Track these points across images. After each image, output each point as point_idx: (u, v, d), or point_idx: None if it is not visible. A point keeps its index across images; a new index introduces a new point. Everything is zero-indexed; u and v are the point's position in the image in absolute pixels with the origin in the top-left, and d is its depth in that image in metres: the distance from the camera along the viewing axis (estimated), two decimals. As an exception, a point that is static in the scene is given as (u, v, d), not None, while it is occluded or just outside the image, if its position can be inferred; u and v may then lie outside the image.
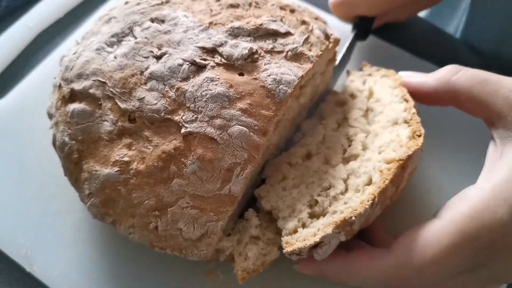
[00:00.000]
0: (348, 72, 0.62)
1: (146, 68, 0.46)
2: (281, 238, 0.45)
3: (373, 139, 0.50)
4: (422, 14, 0.89)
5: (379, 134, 0.50)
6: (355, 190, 0.45)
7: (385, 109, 0.52)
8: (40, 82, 0.67)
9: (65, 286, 0.53)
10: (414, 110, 0.49)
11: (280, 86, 0.44)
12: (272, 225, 0.48)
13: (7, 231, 0.56)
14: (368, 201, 0.41)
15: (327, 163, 0.50)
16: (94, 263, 0.54)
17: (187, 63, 0.45)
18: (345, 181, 0.47)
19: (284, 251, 0.44)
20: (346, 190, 0.46)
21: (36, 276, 0.53)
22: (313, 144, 0.52)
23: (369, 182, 0.45)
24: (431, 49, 0.72)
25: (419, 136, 0.46)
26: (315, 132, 0.54)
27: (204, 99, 0.43)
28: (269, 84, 0.45)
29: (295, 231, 0.44)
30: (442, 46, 0.73)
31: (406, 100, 0.51)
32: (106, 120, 0.45)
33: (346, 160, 0.50)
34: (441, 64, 0.69)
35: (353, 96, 0.57)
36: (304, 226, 0.45)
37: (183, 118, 0.43)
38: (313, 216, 0.46)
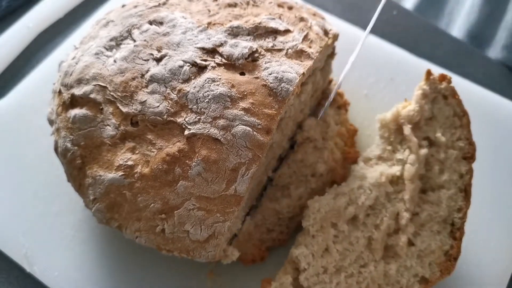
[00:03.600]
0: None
1: (147, 71, 0.46)
2: None
3: (419, 230, 0.50)
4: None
5: (424, 230, 0.50)
6: None
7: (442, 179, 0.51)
8: (40, 83, 0.67)
9: (65, 286, 0.53)
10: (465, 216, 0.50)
11: (282, 84, 0.44)
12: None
13: (7, 231, 0.56)
14: None
15: (370, 246, 0.50)
16: (94, 263, 0.54)
17: (188, 64, 0.45)
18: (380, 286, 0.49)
19: None
20: None
21: (36, 276, 0.53)
22: (361, 207, 0.51)
23: None
24: (431, 48, 0.72)
25: (455, 259, 0.48)
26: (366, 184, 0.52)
27: (206, 100, 0.43)
28: (271, 83, 0.44)
29: None
30: (442, 46, 0.74)
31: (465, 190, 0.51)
32: (108, 125, 0.45)
33: (387, 256, 0.50)
34: (441, 63, 0.69)
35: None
36: None
37: (186, 119, 0.43)
38: None
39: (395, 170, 0.52)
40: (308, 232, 0.50)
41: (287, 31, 0.49)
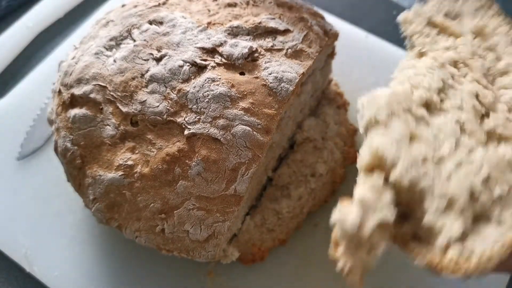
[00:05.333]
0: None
1: (147, 71, 0.46)
2: (438, 243, 0.32)
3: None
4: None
5: None
6: None
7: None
8: (40, 82, 0.67)
9: (65, 286, 0.53)
10: None
11: (282, 84, 0.44)
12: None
13: (7, 231, 0.56)
14: None
15: (464, 130, 0.38)
16: (94, 263, 0.54)
17: (188, 64, 0.45)
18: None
19: (439, 265, 0.31)
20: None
21: (36, 276, 0.53)
22: (429, 89, 0.40)
23: None
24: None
25: None
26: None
27: (206, 99, 0.43)
28: (271, 83, 0.44)
29: (459, 239, 0.31)
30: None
31: None
32: (108, 125, 0.45)
33: (492, 139, 0.38)
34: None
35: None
36: (466, 231, 0.32)
37: (186, 119, 0.43)
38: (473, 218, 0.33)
39: (449, 54, 0.43)
40: (374, 123, 0.38)
41: (287, 31, 0.49)
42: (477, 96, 0.40)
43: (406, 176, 0.34)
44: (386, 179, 0.35)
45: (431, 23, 0.47)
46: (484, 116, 0.39)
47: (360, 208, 0.32)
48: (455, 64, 0.43)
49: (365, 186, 0.34)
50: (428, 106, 0.40)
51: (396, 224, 0.34)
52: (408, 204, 0.35)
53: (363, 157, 0.36)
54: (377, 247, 0.32)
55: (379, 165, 0.35)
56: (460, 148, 0.36)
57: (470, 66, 0.42)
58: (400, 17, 0.48)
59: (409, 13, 0.48)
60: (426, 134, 0.37)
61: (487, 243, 0.31)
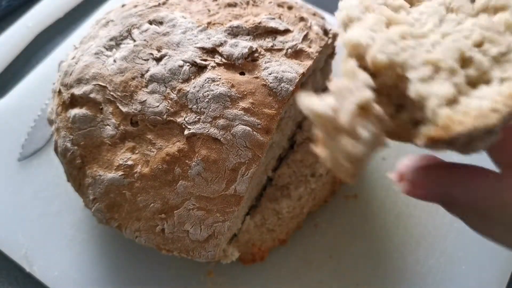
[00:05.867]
0: None
1: (147, 71, 0.46)
2: (429, 110, 0.27)
3: None
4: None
5: None
6: None
7: None
8: (40, 82, 0.67)
9: (65, 286, 0.53)
10: None
11: (282, 84, 0.44)
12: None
13: (7, 231, 0.56)
14: None
15: (450, 9, 0.33)
16: (94, 263, 0.54)
17: (188, 64, 0.45)
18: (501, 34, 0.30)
19: (436, 133, 0.26)
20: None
21: (35, 276, 0.53)
22: None
23: None
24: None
25: None
26: None
27: (206, 99, 0.43)
28: (271, 83, 0.44)
29: (451, 101, 0.27)
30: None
31: None
32: (108, 125, 0.45)
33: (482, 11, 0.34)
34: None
35: None
36: (460, 94, 0.28)
37: (186, 119, 0.43)
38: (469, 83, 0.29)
39: None
40: (349, 21, 0.32)
41: (287, 31, 0.49)
42: None
43: (383, 53, 0.29)
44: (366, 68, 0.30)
45: None
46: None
47: (334, 93, 0.28)
48: None
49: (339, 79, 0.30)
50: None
51: (393, 116, 0.30)
52: (397, 92, 0.30)
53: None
54: (363, 135, 0.27)
55: (357, 56, 0.31)
56: (446, 23, 0.32)
57: None
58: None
59: None
60: (406, 18, 0.32)
61: (489, 96, 0.27)
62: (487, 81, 0.29)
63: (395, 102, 0.30)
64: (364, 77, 0.28)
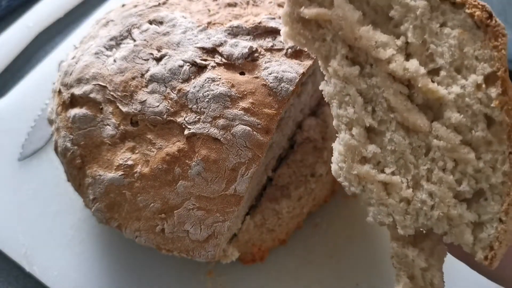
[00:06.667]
0: None
1: (147, 71, 0.46)
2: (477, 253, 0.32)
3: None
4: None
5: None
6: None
7: None
8: (40, 82, 0.67)
9: (64, 286, 0.53)
10: None
11: (282, 84, 0.44)
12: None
13: (7, 231, 0.56)
14: None
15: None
16: (94, 263, 0.54)
17: (188, 64, 0.45)
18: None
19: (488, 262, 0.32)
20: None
21: (35, 275, 0.53)
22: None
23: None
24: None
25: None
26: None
27: (206, 99, 0.43)
28: (271, 82, 0.44)
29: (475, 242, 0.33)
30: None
31: None
32: (108, 124, 0.45)
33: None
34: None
35: None
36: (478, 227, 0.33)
37: (186, 119, 0.43)
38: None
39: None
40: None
41: (287, 31, 0.49)
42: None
43: (407, 228, 0.35)
44: None
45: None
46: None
47: None
48: None
49: None
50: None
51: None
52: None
53: None
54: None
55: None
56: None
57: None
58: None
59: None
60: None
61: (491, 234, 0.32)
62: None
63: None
64: (411, 254, 0.36)
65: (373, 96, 0.37)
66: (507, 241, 0.32)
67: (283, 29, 0.39)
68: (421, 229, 0.35)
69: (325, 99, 0.40)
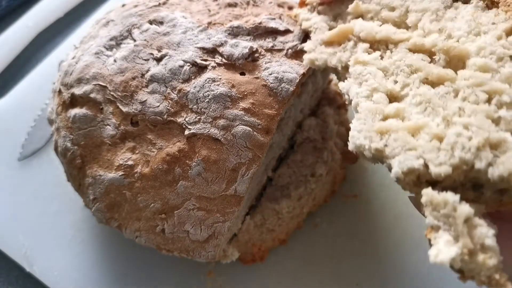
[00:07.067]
0: None
1: (147, 71, 0.46)
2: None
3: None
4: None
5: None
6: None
7: None
8: (40, 82, 0.67)
9: (64, 286, 0.53)
10: None
11: (282, 85, 0.44)
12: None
13: (7, 231, 0.56)
14: None
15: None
16: (94, 263, 0.54)
17: (188, 64, 0.45)
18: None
19: None
20: None
21: (35, 275, 0.54)
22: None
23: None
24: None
25: None
26: None
27: (207, 100, 0.43)
28: (271, 83, 0.44)
29: None
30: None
31: None
32: (108, 124, 0.45)
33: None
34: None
35: None
36: None
37: (186, 119, 0.43)
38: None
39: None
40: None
41: (287, 31, 0.49)
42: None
43: (442, 165, 0.30)
44: None
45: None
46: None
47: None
48: None
49: None
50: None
51: (478, 198, 0.32)
52: (469, 179, 0.31)
53: None
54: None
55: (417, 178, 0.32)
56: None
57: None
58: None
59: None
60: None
61: None
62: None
63: (470, 185, 0.31)
64: (452, 199, 0.29)
65: (394, 70, 0.37)
66: None
67: (308, 56, 0.44)
68: (462, 166, 0.29)
69: (342, 91, 0.40)
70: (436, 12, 0.37)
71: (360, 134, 0.34)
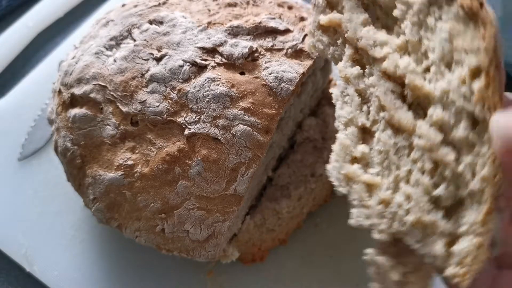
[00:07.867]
0: None
1: (147, 71, 0.46)
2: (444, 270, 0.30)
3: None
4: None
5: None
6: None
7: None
8: (40, 82, 0.67)
9: (64, 286, 0.53)
10: None
11: (282, 84, 0.44)
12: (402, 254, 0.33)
13: (7, 230, 0.56)
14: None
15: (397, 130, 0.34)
16: (94, 263, 0.54)
17: (188, 64, 0.45)
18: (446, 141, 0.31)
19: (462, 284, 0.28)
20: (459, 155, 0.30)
21: (35, 275, 0.53)
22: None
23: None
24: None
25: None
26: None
27: (206, 99, 0.43)
28: (271, 82, 0.44)
29: (448, 255, 0.30)
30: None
31: None
32: (108, 124, 0.45)
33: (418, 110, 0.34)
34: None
35: None
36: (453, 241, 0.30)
37: (186, 119, 0.43)
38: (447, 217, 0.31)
39: None
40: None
41: (287, 31, 0.49)
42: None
43: (384, 233, 0.33)
44: None
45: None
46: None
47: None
48: None
49: None
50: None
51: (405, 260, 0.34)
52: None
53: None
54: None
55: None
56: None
57: None
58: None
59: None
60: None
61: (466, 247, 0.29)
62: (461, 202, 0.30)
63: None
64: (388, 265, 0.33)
65: (369, 96, 0.36)
66: (482, 257, 0.28)
67: (308, 40, 0.43)
68: (396, 236, 0.32)
69: (333, 101, 0.40)
70: (419, 13, 0.33)
71: (334, 171, 0.37)
